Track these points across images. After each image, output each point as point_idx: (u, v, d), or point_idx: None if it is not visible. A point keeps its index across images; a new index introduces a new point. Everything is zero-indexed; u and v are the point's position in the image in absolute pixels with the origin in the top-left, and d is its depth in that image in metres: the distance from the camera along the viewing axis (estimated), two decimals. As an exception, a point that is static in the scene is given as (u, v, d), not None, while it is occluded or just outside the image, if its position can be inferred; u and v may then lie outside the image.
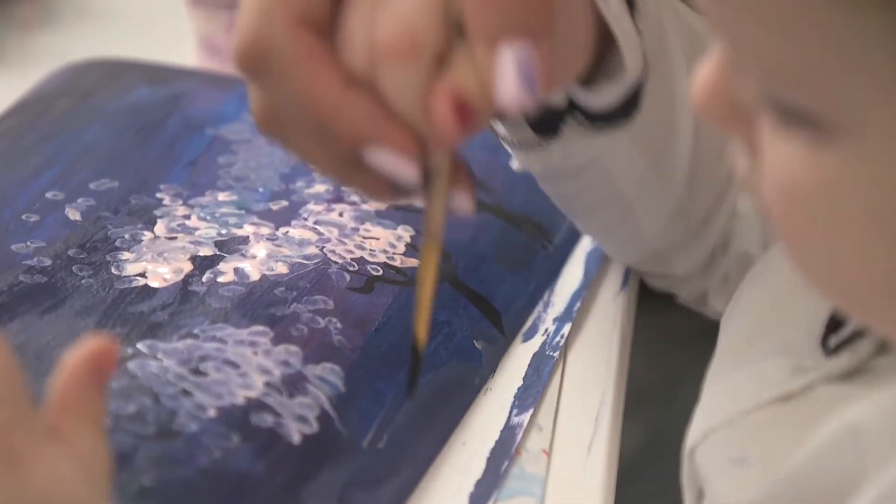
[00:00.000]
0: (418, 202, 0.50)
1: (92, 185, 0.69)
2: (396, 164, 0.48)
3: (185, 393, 0.55)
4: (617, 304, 0.67)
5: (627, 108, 0.56)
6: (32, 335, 0.59)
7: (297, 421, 0.56)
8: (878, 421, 0.43)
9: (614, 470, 0.60)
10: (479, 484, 0.57)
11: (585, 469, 0.59)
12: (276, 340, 0.59)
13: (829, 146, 0.37)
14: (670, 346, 1.16)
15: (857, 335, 0.48)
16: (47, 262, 0.63)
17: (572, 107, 0.57)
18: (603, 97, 0.56)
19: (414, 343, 0.51)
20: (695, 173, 0.62)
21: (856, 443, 0.43)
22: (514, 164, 0.60)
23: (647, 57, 0.56)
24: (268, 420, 0.55)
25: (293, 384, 0.57)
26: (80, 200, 0.68)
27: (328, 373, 0.58)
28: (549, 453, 0.59)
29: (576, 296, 0.66)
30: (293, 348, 0.59)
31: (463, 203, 0.49)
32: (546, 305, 0.66)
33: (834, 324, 0.49)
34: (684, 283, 0.68)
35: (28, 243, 0.65)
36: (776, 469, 0.47)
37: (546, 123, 0.57)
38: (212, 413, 0.55)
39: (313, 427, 0.56)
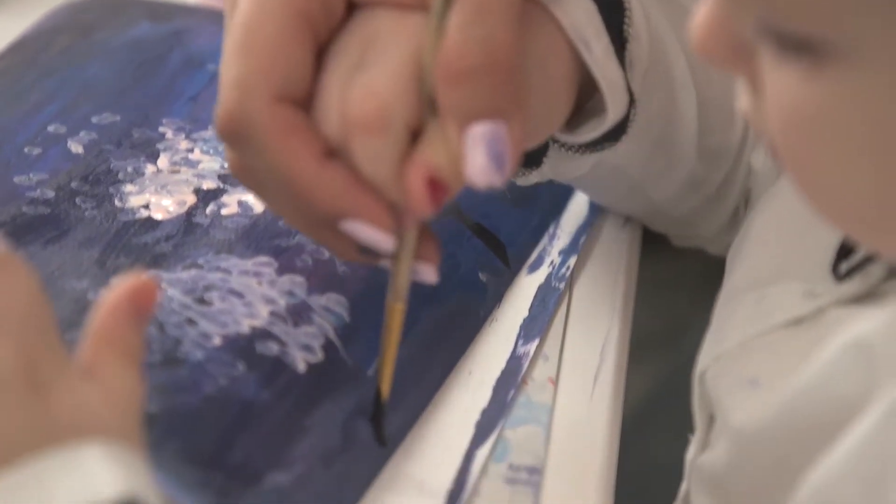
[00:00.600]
0: (386, 264, 0.52)
1: (94, 119, 0.68)
2: (372, 234, 0.49)
3: (190, 322, 0.55)
4: (623, 234, 0.68)
5: (613, 134, 0.56)
6: (36, 266, 0.58)
7: (303, 350, 0.56)
8: (888, 336, 0.43)
9: (620, 400, 0.60)
10: (485, 412, 0.57)
11: (592, 399, 0.59)
12: (281, 271, 0.59)
13: (827, 72, 0.38)
14: (673, 293, 1.16)
15: (868, 260, 0.48)
16: (50, 193, 0.63)
17: (554, 140, 0.57)
18: (584, 137, 0.56)
19: (377, 395, 0.54)
20: (704, 148, 0.62)
21: (865, 358, 0.43)
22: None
23: (633, 92, 0.55)
24: (273, 349, 0.55)
25: (298, 314, 0.57)
26: (81, 133, 0.67)
27: (333, 303, 0.58)
28: (555, 382, 0.59)
29: (581, 228, 0.66)
30: (298, 279, 0.58)
31: (427, 273, 0.52)
32: (552, 238, 0.66)
33: (845, 250, 0.49)
34: (710, 241, 0.68)
35: (30, 175, 0.64)
36: (787, 388, 0.47)
37: (528, 155, 0.57)
38: (217, 341, 0.55)
39: (318, 356, 0.56)
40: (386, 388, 0.54)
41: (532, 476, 0.55)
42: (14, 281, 0.41)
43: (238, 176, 0.51)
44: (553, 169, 0.58)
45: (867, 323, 0.44)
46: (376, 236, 0.49)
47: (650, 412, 0.98)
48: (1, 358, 0.39)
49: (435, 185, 0.47)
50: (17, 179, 0.64)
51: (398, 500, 0.54)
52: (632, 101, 0.55)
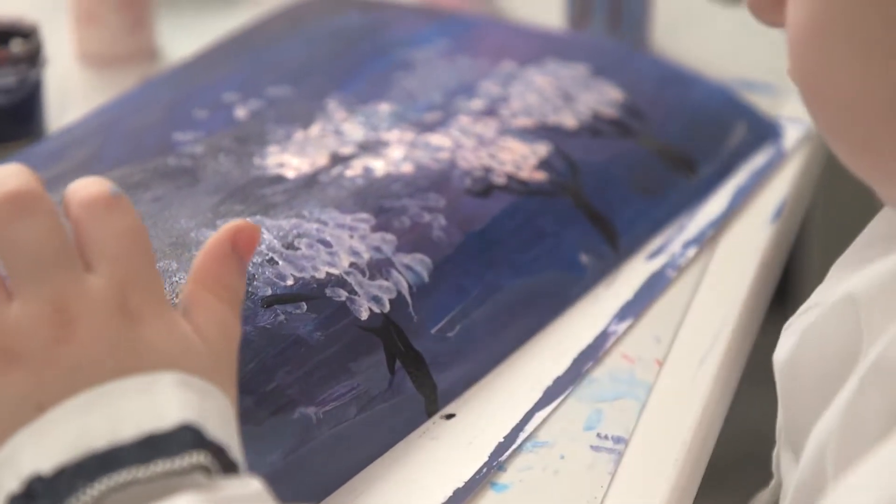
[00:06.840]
0: None
1: (269, 91, 0.72)
2: None
3: (271, 262, 0.56)
4: (764, 232, 0.66)
5: None
6: (157, 206, 0.61)
7: (371, 301, 0.56)
8: (870, 290, 0.42)
9: (722, 385, 0.59)
10: (558, 380, 0.57)
11: (693, 381, 0.58)
12: (376, 228, 0.59)
13: None
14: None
15: None
16: (199, 149, 0.66)
17: None
18: None
19: None
20: None
21: (853, 312, 0.42)
22: None
23: None
24: (341, 295, 0.56)
25: (378, 268, 0.57)
26: (251, 101, 0.70)
27: (417, 262, 0.58)
28: (661, 363, 0.58)
29: (711, 223, 0.64)
30: (389, 237, 0.59)
31: None
32: (679, 230, 0.64)
33: None
34: None
35: (189, 133, 0.68)
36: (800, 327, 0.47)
37: None
38: (289, 282, 0.56)
39: (385, 308, 0.56)
40: None
41: (617, 444, 0.54)
42: (119, 218, 0.43)
43: None
44: None
45: (857, 275, 0.43)
46: None
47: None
48: (95, 284, 0.41)
49: None
50: (175, 135, 0.67)
51: (442, 449, 0.54)
52: None
